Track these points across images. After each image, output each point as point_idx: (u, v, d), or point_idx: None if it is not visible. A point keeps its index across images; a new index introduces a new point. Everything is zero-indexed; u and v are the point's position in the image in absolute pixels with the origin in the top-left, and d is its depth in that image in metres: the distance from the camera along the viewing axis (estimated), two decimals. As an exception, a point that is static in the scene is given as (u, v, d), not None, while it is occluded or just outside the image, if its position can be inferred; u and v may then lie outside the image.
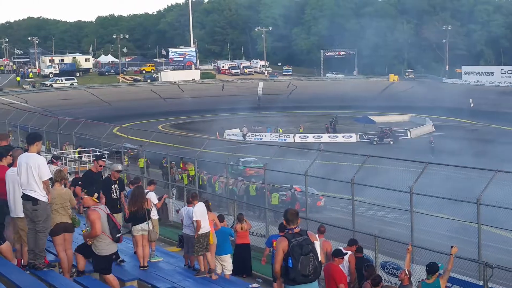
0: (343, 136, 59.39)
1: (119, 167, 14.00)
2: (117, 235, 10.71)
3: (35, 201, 10.21)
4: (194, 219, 13.83)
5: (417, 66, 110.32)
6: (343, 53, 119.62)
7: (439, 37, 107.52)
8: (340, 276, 12.38)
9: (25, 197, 10.25)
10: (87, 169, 33.07)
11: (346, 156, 29.73)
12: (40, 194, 10.23)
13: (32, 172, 10.18)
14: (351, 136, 59.32)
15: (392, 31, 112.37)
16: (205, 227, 13.99)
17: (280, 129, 63.35)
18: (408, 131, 61.57)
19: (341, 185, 21.32)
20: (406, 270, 11.93)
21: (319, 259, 8.22)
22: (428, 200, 17.88)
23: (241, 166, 37.43)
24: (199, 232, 13.86)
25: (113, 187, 13.43)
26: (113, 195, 13.28)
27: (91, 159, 35.74)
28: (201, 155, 28.80)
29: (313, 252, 8.07)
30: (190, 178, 32.37)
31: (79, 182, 13.13)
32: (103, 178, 13.50)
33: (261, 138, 60.06)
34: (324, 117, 69.70)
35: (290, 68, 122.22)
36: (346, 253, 13.48)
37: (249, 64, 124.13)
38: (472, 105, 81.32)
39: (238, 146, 46.21)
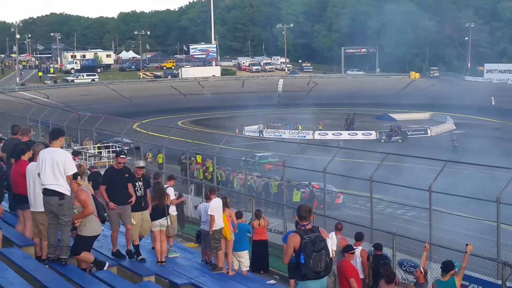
0: (362, 134, 59.16)
1: (140, 163, 13.73)
2: (105, 214, 10.87)
3: (61, 195, 10.27)
4: (209, 213, 13.93)
5: (439, 64, 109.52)
6: (364, 50, 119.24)
7: (462, 35, 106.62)
8: (350, 270, 12.53)
9: (50, 193, 10.26)
10: (106, 164, 33.50)
11: (366, 153, 29.70)
12: (65, 189, 10.30)
13: (59, 167, 10.25)
14: (371, 134, 59.04)
15: (414, 28, 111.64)
16: (219, 223, 14.05)
17: (299, 126, 63.29)
18: (428, 129, 61.21)
19: (361, 183, 21.28)
20: (421, 268, 11.93)
21: (331, 256, 8.31)
22: (449, 198, 17.80)
23: (258, 161, 37.44)
24: (212, 228, 13.94)
25: (137, 184, 13.12)
26: (137, 193, 13.00)
27: (111, 154, 36.08)
28: (220, 151, 28.88)
29: (325, 249, 8.14)
30: (206, 174, 32.51)
31: (101, 180, 13.09)
32: (128, 175, 12.94)
33: (280, 135, 60.02)
34: (344, 115, 69.49)
35: (309, 64, 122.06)
36: (356, 248, 13.60)
37: (269, 61, 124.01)
38: (493, 103, 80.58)
39: (257, 143, 46.17)
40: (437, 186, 17.09)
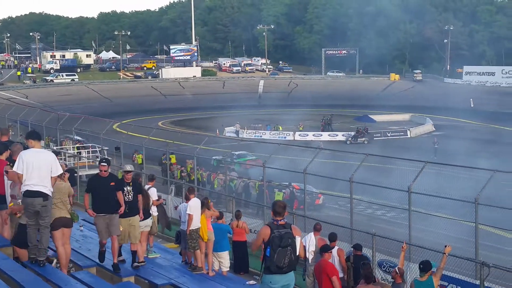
0: (342, 135, 59.31)
1: (127, 167, 13.46)
2: None
3: (45, 196, 10.25)
4: (187, 212, 13.89)
5: (418, 66, 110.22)
6: (344, 52, 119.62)
7: (441, 37, 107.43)
8: (331, 269, 12.65)
9: (35, 194, 10.17)
10: (86, 164, 33.29)
11: (347, 154, 29.79)
12: (49, 190, 10.28)
13: (46, 168, 10.22)
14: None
15: (394, 30, 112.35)
16: (196, 222, 14.01)
17: (279, 127, 63.38)
18: (408, 130, 61.57)
19: (341, 184, 21.33)
20: (397, 268, 12.03)
21: (297, 254, 8.53)
22: (429, 199, 17.90)
23: (236, 159, 37.41)
24: (190, 228, 13.91)
25: (125, 189, 12.82)
26: (125, 197, 12.64)
27: (90, 154, 35.86)
28: (200, 152, 28.83)
29: (292, 246, 8.39)
30: (183, 174, 32.42)
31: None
32: (114, 184, 12.40)
33: (261, 136, 60.05)
34: (325, 116, 69.54)
35: (288, 64, 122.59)
36: (332, 248, 13.68)
37: (250, 62, 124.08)
38: (472, 105, 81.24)
39: (238, 144, 46.17)
40: (417, 187, 17.17)
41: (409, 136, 60.32)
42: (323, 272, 12.51)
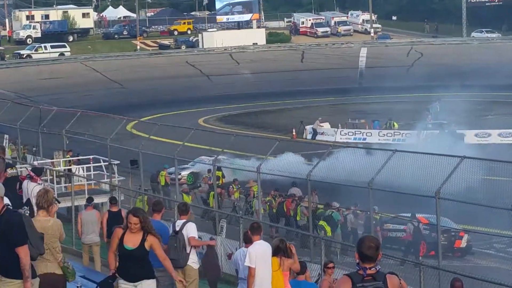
0: (498, 135, 58.30)
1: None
2: None
3: None
4: (245, 263, 13.58)
5: None
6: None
7: None
8: None
9: None
10: (85, 188, 33.81)
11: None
12: None
13: None
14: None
15: None
16: (263, 282, 13.68)
17: (394, 123, 62.66)
18: None
19: (498, 215, 21.10)
20: None
21: None
22: None
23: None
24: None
25: None
26: None
27: (92, 172, 36.28)
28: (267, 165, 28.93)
29: None
30: (248, 205, 32.64)
31: None
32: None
33: (365, 138, 59.60)
34: (467, 103, 68.39)
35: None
36: None
37: (345, 18, 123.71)
38: None
39: (327, 150, 46.11)
40: None
41: None
42: None
